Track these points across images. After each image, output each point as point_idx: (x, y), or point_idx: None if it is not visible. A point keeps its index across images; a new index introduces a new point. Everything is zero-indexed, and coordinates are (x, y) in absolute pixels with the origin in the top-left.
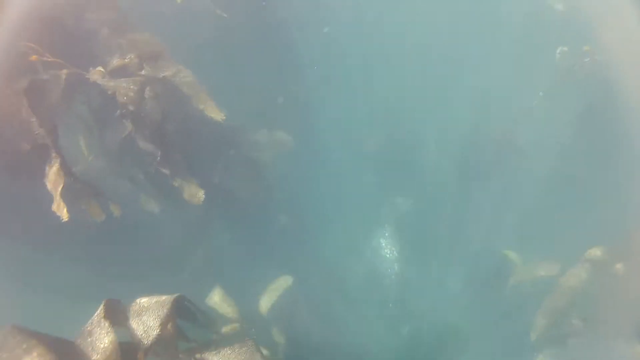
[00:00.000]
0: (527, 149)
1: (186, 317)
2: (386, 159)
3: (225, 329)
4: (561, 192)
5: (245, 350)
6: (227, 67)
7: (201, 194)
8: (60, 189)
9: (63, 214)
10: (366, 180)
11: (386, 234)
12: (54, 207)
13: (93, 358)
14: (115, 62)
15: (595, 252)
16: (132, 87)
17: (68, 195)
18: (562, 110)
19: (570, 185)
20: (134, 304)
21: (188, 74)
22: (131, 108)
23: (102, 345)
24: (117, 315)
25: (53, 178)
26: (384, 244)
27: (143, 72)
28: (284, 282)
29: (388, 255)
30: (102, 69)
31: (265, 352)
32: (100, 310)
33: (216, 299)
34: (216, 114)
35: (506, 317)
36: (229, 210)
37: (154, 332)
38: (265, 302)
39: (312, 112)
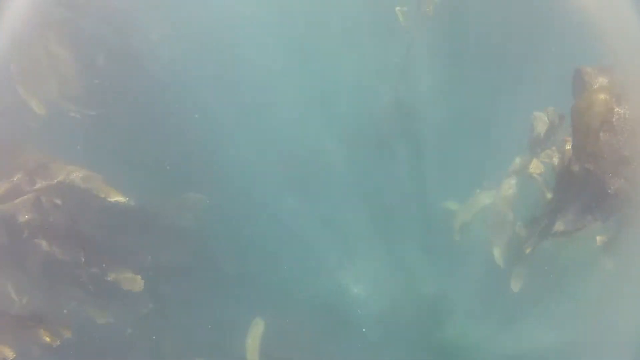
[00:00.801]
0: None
1: None
2: (299, 167)
3: None
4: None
5: None
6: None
7: (139, 280)
8: None
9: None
10: (289, 197)
11: (333, 240)
12: None
13: None
14: (3, 186)
15: (515, 164)
16: (27, 203)
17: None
18: None
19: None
20: None
21: (81, 170)
22: (36, 223)
23: None
24: None
25: None
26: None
27: (36, 187)
28: (256, 326)
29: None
30: None
31: None
32: None
33: None
34: (118, 197)
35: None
36: (174, 283)
37: None
38: (252, 353)
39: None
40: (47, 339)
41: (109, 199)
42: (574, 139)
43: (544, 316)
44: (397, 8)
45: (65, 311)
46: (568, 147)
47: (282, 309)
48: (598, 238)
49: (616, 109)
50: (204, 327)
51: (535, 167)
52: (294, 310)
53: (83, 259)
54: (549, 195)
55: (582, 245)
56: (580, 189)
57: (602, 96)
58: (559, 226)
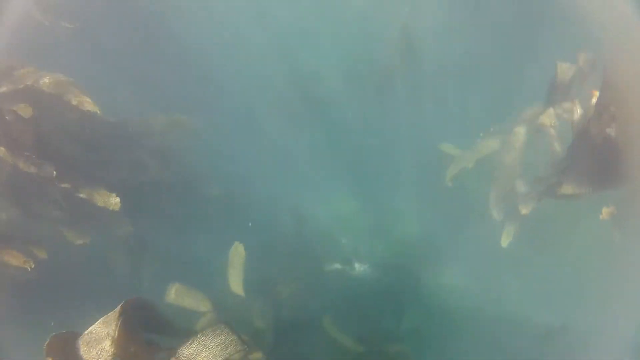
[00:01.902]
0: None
1: (155, 327)
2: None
3: (200, 324)
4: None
5: (219, 333)
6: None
7: (115, 198)
8: None
9: None
10: (281, 125)
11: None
12: None
13: None
14: None
15: (527, 112)
16: None
17: None
18: None
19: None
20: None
21: (53, 75)
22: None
23: None
24: (67, 350)
25: None
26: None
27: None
28: (237, 252)
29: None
30: None
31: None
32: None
33: (174, 296)
34: (91, 107)
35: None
36: (155, 204)
37: (109, 354)
38: (236, 281)
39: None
40: (20, 261)
41: (81, 108)
42: (601, 95)
43: (530, 280)
44: None
45: (37, 231)
46: (593, 101)
47: (263, 235)
48: (604, 210)
49: None
50: (183, 251)
51: (549, 118)
52: (276, 237)
53: (55, 173)
54: (561, 153)
55: (585, 214)
56: (597, 153)
57: None
58: (566, 188)
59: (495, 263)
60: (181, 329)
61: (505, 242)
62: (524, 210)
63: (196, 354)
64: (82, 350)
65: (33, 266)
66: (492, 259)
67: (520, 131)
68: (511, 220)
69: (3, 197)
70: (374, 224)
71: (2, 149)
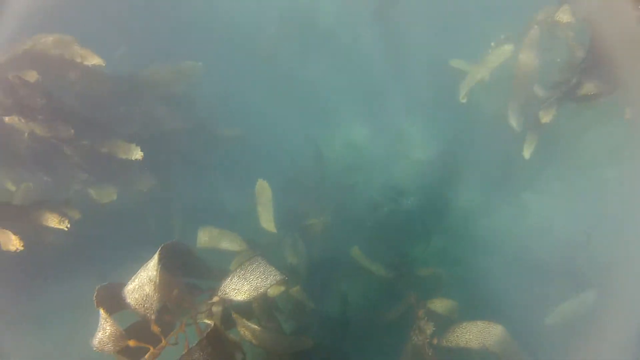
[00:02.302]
0: None
1: (194, 271)
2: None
3: (234, 264)
4: None
5: (257, 266)
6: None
7: (135, 147)
8: None
9: (16, 244)
10: (288, 64)
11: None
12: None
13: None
14: None
15: (541, 12)
16: None
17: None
18: None
19: None
20: (128, 283)
21: (49, 36)
22: (9, 102)
23: (107, 334)
24: (115, 300)
25: None
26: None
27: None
28: (262, 189)
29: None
30: None
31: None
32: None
33: (207, 239)
34: (97, 60)
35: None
36: (173, 152)
37: (153, 299)
38: (266, 218)
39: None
40: (55, 223)
41: (85, 63)
42: None
43: (553, 193)
44: None
45: (65, 196)
46: None
47: (285, 170)
48: (627, 110)
49: None
50: (209, 195)
51: (564, 14)
52: (298, 171)
53: (72, 131)
54: (580, 53)
55: (608, 124)
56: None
57: None
58: (587, 88)
59: (517, 177)
60: (218, 270)
61: (527, 153)
62: (545, 118)
63: (238, 289)
64: (128, 298)
65: (69, 226)
66: (514, 173)
67: (535, 33)
68: (532, 130)
69: (26, 166)
70: (391, 150)
71: (16, 118)
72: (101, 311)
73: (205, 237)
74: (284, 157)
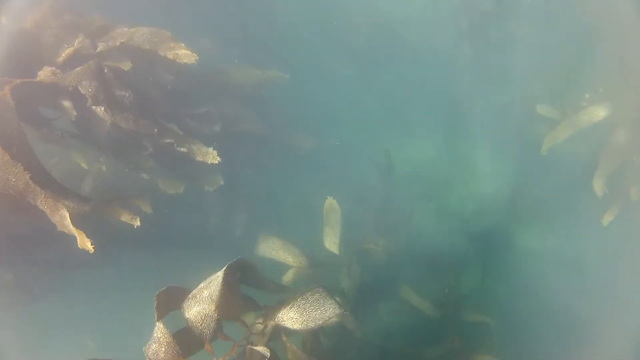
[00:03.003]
0: None
1: (251, 281)
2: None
3: (287, 276)
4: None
5: (318, 297)
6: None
7: (213, 151)
8: (67, 221)
9: (87, 246)
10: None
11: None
12: (79, 244)
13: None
14: (65, 52)
15: None
16: (89, 72)
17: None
18: None
19: None
20: (188, 297)
21: (146, 29)
22: (102, 98)
23: (162, 347)
24: (170, 303)
25: (55, 216)
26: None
27: (98, 50)
28: (331, 207)
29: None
30: (50, 68)
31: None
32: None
33: (267, 247)
34: (189, 58)
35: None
36: (246, 155)
37: (213, 319)
38: (331, 239)
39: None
40: (127, 218)
41: (177, 60)
42: None
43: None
44: None
45: (135, 183)
46: None
47: (350, 187)
48: None
49: None
50: (274, 203)
51: None
52: (364, 189)
53: (156, 130)
54: None
55: None
56: None
57: None
58: None
59: (587, 235)
60: (274, 283)
61: (606, 220)
62: (636, 196)
63: (295, 319)
64: (187, 312)
65: (139, 224)
66: (585, 230)
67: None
68: (616, 201)
69: (102, 150)
70: (461, 183)
71: (102, 108)
72: (160, 325)
73: (266, 246)
74: (352, 173)
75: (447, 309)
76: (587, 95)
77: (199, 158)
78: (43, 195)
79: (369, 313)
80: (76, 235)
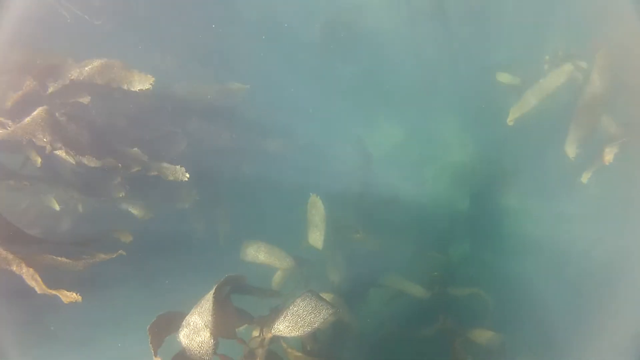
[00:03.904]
0: None
1: (241, 290)
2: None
3: (275, 279)
4: None
5: (308, 302)
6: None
7: (181, 168)
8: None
9: (73, 299)
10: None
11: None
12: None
13: None
14: (11, 99)
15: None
16: (40, 121)
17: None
18: None
19: None
20: (182, 326)
21: (96, 61)
22: (59, 145)
23: None
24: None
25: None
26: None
27: (49, 91)
28: (315, 205)
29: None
30: None
31: (326, 296)
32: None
33: (253, 252)
34: (143, 83)
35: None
36: (217, 168)
37: (209, 345)
38: (316, 236)
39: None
40: (110, 255)
41: (132, 88)
42: None
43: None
44: None
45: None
46: None
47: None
48: None
49: None
50: (253, 208)
51: None
52: (341, 182)
53: (120, 165)
54: None
55: None
56: None
57: None
58: None
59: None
60: (264, 291)
61: (585, 178)
62: (608, 157)
63: (292, 326)
64: (184, 342)
65: (125, 254)
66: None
67: (608, 54)
68: (591, 163)
69: (70, 187)
70: (435, 158)
71: (62, 152)
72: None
73: (251, 251)
74: (327, 167)
75: (437, 287)
76: (547, 57)
77: (171, 178)
78: (16, 261)
79: (361, 302)
80: (58, 294)
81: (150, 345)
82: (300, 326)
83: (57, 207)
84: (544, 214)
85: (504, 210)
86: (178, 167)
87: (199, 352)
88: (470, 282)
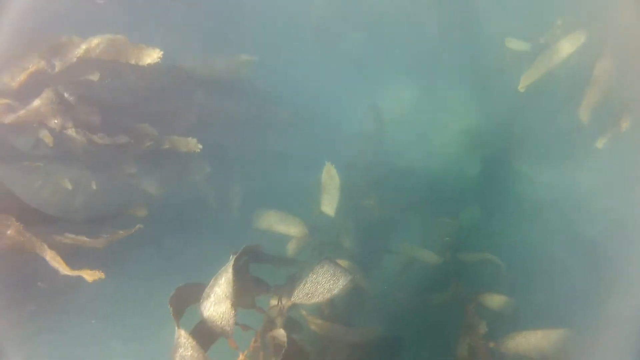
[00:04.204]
0: None
1: (258, 260)
2: None
3: (290, 247)
4: None
5: (327, 269)
6: None
7: (193, 140)
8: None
9: (96, 277)
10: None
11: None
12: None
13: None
14: (18, 78)
15: None
16: (49, 103)
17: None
18: None
19: None
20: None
21: (101, 39)
22: (70, 125)
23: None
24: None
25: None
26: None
27: (56, 70)
28: (329, 174)
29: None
30: (5, 101)
31: (342, 263)
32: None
33: (266, 221)
34: (152, 56)
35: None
36: (229, 140)
37: (231, 316)
38: (329, 204)
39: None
40: (125, 232)
41: (140, 63)
42: None
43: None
44: None
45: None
46: None
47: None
48: None
49: None
50: (266, 177)
51: None
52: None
53: (132, 141)
54: None
55: None
56: None
57: None
58: None
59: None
60: (281, 259)
61: (601, 144)
62: (625, 123)
63: (312, 293)
64: (205, 313)
65: (143, 226)
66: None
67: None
68: (606, 129)
69: (83, 166)
70: (442, 123)
71: (72, 131)
72: (181, 331)
73: (264, 220)
74: (338, 136)
75: (449, 253)
76: (559, 22)
77: (183, 149)
78: (38, 244)
79: (375, 268)
80: (82, 275)
81: (173, 317)
82: (320, 293)
83: (69, 187)
84: (556, 180)
85: (516, 176)
86: (190, 138)
87: (221, 323)
88: (482, 248)
